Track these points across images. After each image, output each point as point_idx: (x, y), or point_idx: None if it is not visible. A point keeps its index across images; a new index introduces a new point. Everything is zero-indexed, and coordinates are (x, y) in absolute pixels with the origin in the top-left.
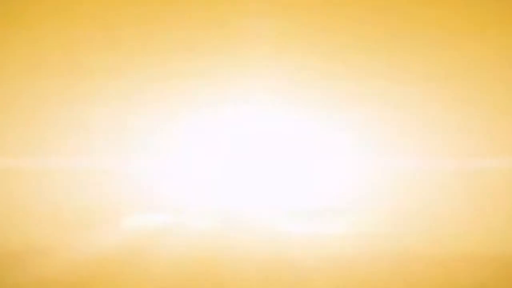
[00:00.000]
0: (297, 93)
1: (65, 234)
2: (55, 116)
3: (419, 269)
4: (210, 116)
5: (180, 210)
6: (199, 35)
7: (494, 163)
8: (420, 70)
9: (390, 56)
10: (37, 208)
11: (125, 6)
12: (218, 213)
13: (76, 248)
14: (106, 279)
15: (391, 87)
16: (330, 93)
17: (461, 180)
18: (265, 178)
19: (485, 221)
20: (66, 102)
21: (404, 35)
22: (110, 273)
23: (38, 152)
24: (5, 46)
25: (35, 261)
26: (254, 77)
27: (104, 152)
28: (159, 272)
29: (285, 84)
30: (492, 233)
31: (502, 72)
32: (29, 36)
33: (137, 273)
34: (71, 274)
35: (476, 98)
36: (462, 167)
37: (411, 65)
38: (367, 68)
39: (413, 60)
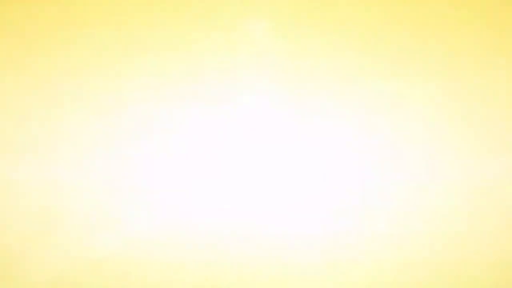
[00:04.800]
0: (296, 93)
1: (64, 236)
2: (46, 116)
3: (425, 270)
4: (211, 116)
5: (180, 211)
6: (196, 35)
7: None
8: (422, 70)
9: (394, 57)
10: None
11: (119, 7)
12: (219, 214)
13: (75, 250)
14: (106, 281)
15: (392, 88)
16: (330, 93)
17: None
18: (265, 180)
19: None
20: (59, 100)
21: (405, 35)
22: (109, 274)
23: (34, 154)
24: None
25: (30, 263)
26: (254, 76)
27: (103, 152)
28: (159, 274)
29: (284, 84)
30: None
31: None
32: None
33: (136, 276)
34: (70, 275)
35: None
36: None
37: (413, 66)
38: (367, 69)
39: (414, 60)
